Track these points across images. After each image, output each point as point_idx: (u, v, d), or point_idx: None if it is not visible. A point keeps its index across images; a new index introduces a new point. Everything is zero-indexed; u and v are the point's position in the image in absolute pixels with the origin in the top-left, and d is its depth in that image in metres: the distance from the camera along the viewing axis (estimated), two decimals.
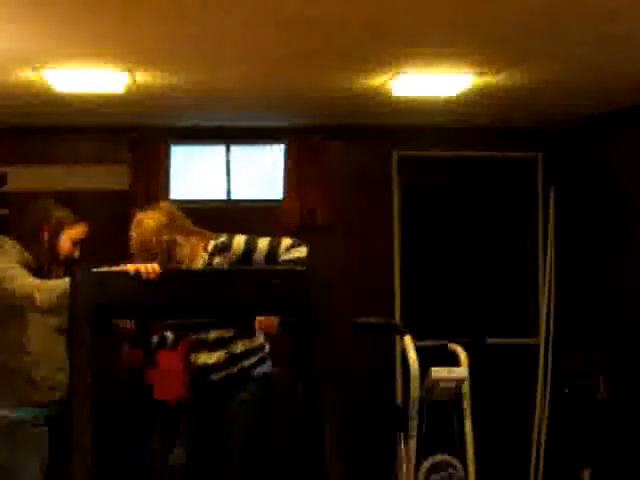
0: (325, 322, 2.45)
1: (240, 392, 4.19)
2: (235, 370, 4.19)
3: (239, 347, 4.19)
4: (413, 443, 5.22)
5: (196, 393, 4.32)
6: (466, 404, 5.31)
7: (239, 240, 4.05)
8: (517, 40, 4.28)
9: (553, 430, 6.68)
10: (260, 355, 4.25)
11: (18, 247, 3.85)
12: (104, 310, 2.72)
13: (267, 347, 4.31)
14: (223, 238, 4.07)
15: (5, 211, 6.49)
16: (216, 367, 4.20)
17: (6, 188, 6.49)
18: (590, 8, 3.73)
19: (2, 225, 6.42)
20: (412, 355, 5.09)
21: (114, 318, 3.59)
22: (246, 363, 4.21)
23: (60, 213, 3.91)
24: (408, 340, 5.13)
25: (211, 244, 4.07)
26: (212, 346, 4.19)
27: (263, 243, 4.05)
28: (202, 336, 4.21)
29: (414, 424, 5.18)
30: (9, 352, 3.82)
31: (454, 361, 5.50)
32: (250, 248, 4.02)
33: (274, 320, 4.01)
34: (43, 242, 3.83)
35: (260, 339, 4.27)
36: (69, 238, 3.88)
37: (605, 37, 4.20)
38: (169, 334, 4.35)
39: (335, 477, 2.27)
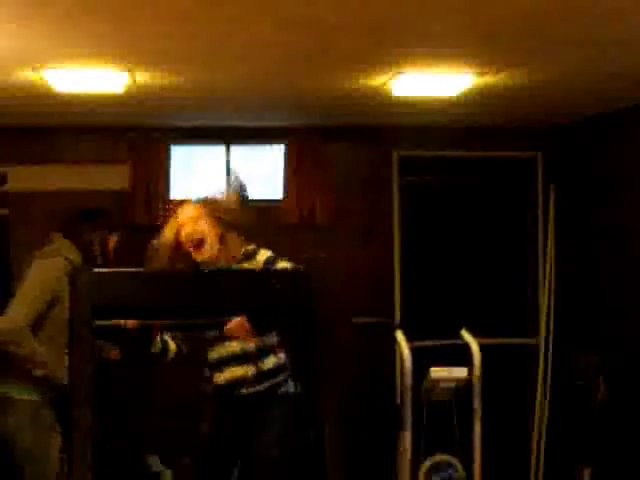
0: (325, 322, 2.44)
1: (268, 412, 4.17)
2: (263, 388, 4.18)
3: (268, 364, 4.19)
4: (408, 435, 5.26)
5: (221, 409, 4.27)
6: (477, 404, 5.31)
7: (264, 253, 4.16)
8: (517, 40, 4.28)
9: (553, 429, 6.68)
10: (284, 374, 4.26)
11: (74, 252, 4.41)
12: (104, 310, 2.72)
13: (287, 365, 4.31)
14: (251, 247, 4.19)
15: (5, 211, 6.49)
16: (244, 382, 4.18)
17: (6, 188, 6.49)
18: (589, 8, 3.73)
19: (2, 225, 6.44)
20: (403, 346, 5.27)
21: (114, 318, 3.59)
22: (274, 381, 4.20)
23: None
24: (400, 335, 5.33)
25: (242, 250, 4.17)
26: (237, 360, 4.19)
27: (282, 265, 4.07)
28: (223, 352, 4.20)
29: (408, 413, 5.23)
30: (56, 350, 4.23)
31: (454, 361, 5.51)
32: (269, 267, 4.08)
33: (245, 323, 4.00)
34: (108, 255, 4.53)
35: (282, 357, 4.27)
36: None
37: (605, 37, 4.20)
38: (169, 341, 4.28)
39: (336, 477, 2.27)
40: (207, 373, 4.30)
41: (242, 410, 4.18)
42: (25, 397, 4.26)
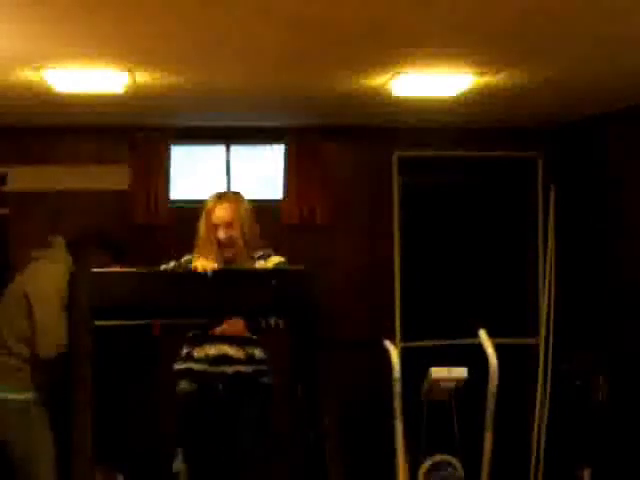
0: (325, 322, 2.45)
1: (249, 400, 4.27)
2: (250, 370, 4.28)
3: (256, 351, 4.31)
4: (400, 425, 5.30)
5: (205, 388, 4.38)
6: (489, 416, 5.32)
7: (275, 259, 4.36)
8: (517, 40, 4.28)
9: (553, 430, 6.68)
10: (265, 367, 4.36)
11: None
12: (104, 310, 2.72)
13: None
14: (266, 251, 4.42)
15: (5, 211, 6.49)
16: (232, 360, 4.28)
17: (6, 188, 6.49)
18: (590, 8, 3.73)
19: (2, 225, 6.44)
20: (392, 350, 5.47)
21: (114, 318, 3.60)
22: (258, 368, 4.31)
23: None
24: (387, 343, 5.52)
25: (258, 252, 4.39)
26: (227, 340, 4.29)
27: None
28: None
29: (398, 403, 5.29)
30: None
31: (454, 361, 5.51)
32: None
33: (241, 322, 4.12)
34: None
35: (263, 353, 4.43)
36: None
37: (605, 37, 4.20)
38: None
39: (336, 477, 2.28)
40: (185, 349, 4.40)
41: (227, 391, 4.32)
42: (17, 396, 4.30)
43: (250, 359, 4.32)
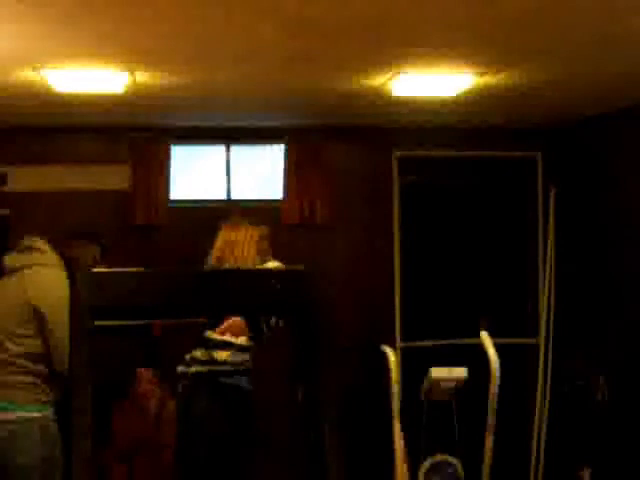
0: (325, 322, 2.45)
1: (204, 398, 4.38)
2: (205, 370, 4.38)
3: (221, 355, 4.39)
4: (398, 426, 5.32)
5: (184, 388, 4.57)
6: (490, 418, 5.33)
7: (272, 264, 4.56)
8: (517, 40, 4.28)
9: (553, 430, 6.68)
10: (233, 367, 4.45)
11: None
12: (104, 310, 2.72)
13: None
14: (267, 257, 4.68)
15: (5, 211, 6.49)
16: (196, 362, 4.40)
17: (6, 188, 6.49)
18: (590, 8, 3.74)
19: (2, 225, 6.44)
20: (390, 354, 5.52)
21: (114, 318, 3.60)
22: (214, 368, 4.40)
23: None
24: (385, 347, 5.60)
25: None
26: (200, 344, 4.46)
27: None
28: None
29: (397, 403, 5.30)
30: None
31: (455, 362, 5.52)
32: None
33: (241, 323, 4.19)
34: None
35: (245, 356, 4.52)
36: None
37: (605, 37, 4.21)
38: None
39: (336, 477, 2.28)
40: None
41: (185, 390, 4.53)
42: (35, 414, 4.16)
43: (209, 361, 4.45)
